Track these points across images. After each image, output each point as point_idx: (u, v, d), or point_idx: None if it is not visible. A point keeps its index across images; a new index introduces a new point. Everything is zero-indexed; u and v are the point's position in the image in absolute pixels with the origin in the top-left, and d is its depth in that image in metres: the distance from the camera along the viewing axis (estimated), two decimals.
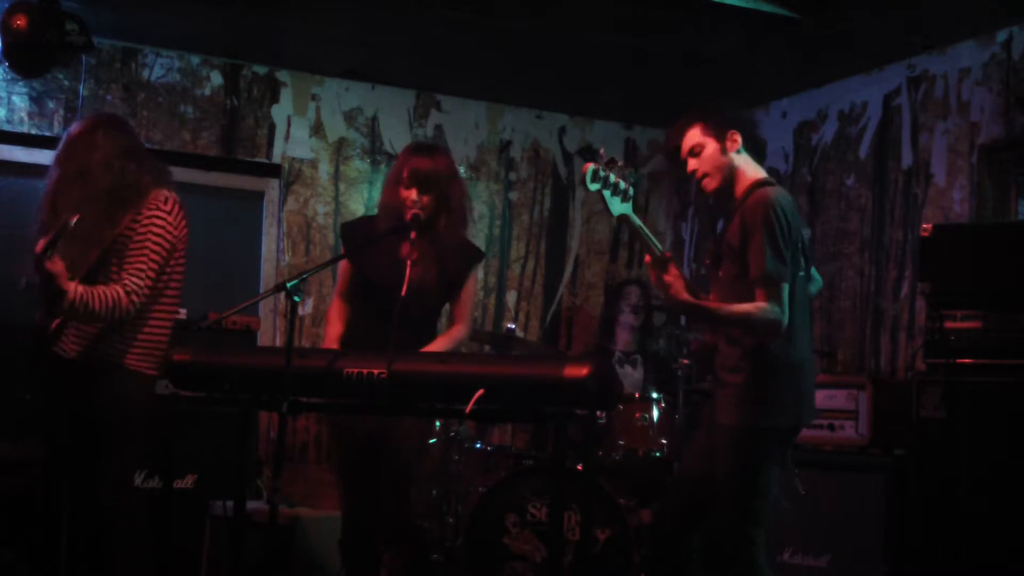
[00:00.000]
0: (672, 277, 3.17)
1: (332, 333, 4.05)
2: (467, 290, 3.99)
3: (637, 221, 3.13)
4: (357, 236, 4.04)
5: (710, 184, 3.46)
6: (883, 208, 5.76)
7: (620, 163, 3.07)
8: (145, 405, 3.73)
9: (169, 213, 3.75)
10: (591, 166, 2.96)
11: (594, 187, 2.98)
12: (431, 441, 5.04)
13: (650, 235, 3.23)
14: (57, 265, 3.50)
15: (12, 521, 4.58)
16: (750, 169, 3.48)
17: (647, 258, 3.19)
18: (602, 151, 3.19)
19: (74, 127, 3.91)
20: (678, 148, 3.49)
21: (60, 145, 3.87)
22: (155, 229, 3.71)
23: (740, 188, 3.44)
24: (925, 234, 4.61)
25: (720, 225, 3.69)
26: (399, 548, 3.88)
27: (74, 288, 3.54)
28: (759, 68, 5.94)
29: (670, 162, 3.52)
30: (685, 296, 3.19)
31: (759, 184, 3.42)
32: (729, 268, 3.35)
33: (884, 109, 5.77)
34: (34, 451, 4.49)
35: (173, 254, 3.77)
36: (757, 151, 3.55)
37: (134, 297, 3.64)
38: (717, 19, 5.18)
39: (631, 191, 3.07)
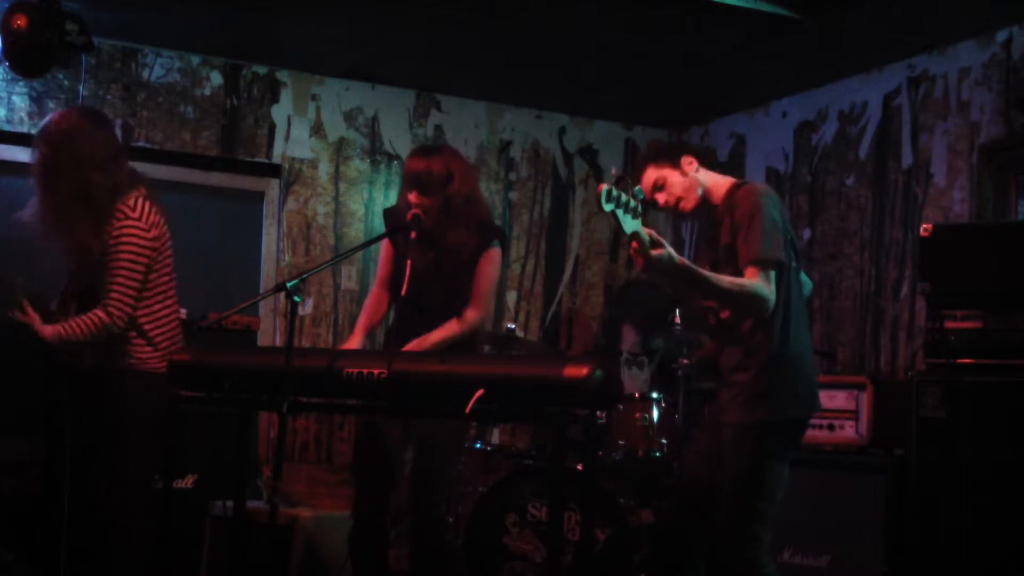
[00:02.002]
0: (660, 250, 3.15)
1: (360, 322, 4.06)
2: (481, 271, 3.89)
3: (645, 236, 3.14)
4: (391, 221, 4.05)
5: (687, 205, 3.51)
6: (883, 208, 5.76)
7: (629, 180, 3.10)
8: (159, 403, 3.74)
9: (139, 218, 3.72)
10: (604, 187, 2.98)
11: (608, 208, 3.00)
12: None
13: (650, 242, 3.22)
14: (27, 316, 3.61)
15: (12, 521, 4.58)
16: (720, 179, 3.51)
17: (634, 244, 3.16)
18: (613, 170, 3.21)
19: (64, 115, 3.87)
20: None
21: (49, 126, 3.81)
22: (124, 239, 3.69)
23: (718, 196, 3.46)
24: (925, 234, 4.61)
25: (699, 232, 3.73)
26: (419, 542, 3.88)
27: (51, 331, 3.63)
28: (759, 68, 5.94)
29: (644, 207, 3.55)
30: (679, 258, 3.18)
31: (739, 185, 3.45)
32: (728, 270, 3.35)
33: (884, 109, 5.77)
34: (34, 451, 4.50)
35: (156, 255, 3.76)
36: (713, 161, 3.58)
37: (116, 313, 3.66)
38: (717, 19, 5.18)
39: (640, 208, 3.10)
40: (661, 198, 3.51)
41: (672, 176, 3.49)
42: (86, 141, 3.75)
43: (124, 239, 3.70)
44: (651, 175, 3.51)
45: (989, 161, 5.24)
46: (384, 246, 4.08)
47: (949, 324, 4.51)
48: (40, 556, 4.30)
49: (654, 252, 3.12)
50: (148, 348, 3.77)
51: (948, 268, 4.55)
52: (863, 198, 5.87)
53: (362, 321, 4.05)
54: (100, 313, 3.66)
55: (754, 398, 3.30)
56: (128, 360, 3.75)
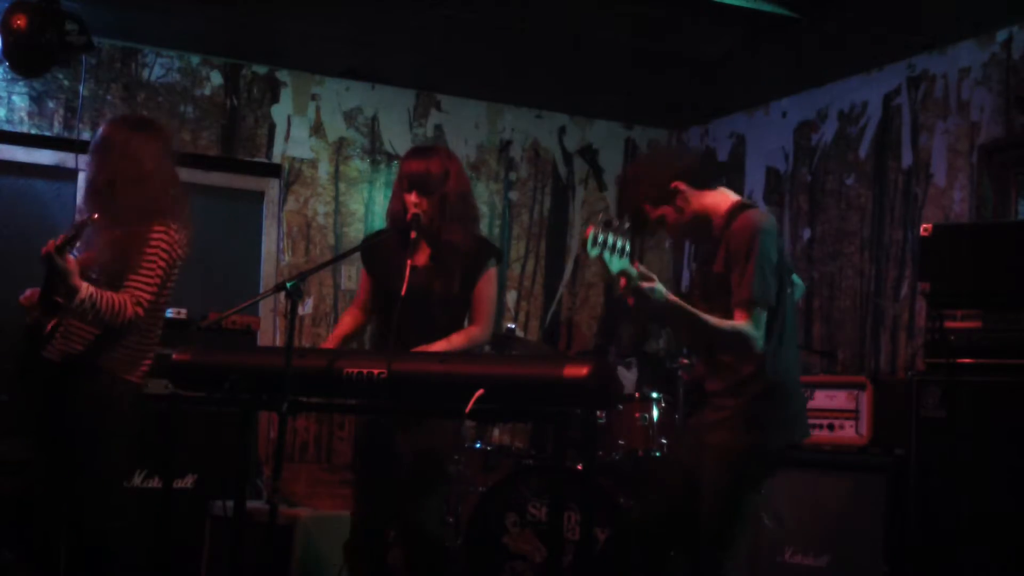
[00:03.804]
0: (651, 283, 3.15)
1: (335, 331, 4.08)
2: (481, 290, 3.93)
3: (634, 272, 3.15)
4: (372, 246, 4.07)
5: (692, 241, 3.51)
6: (883, 208, 5.76)
7: (616, 222, 3.12)
8: (130, 411, 3.72)
9: (177, 231, 3.75)
10: (591, 231, 3.02)
11: (594, 252, 3.04)
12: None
13: (639, 276, 3.22)
14: (71, 262, 3.51)
15: (12, 521, 4.58)
16: (718, 199, 3.43)
17: (622, 281, 3.16)
18: (600, 214, 3.26)
19: (126, 123, 3.91)
20: (644, 219, 3.49)
21: (114, 133, 3.83)
22: (164, 247, 3.70)
23: (717, 220, 3.40)
24: (925, 234, 4.60)
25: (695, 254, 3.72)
26: (410, 546, 3.88)
27: (86, 287, 3.54)
28: (759, 68, 5.94)
29: (641, 230, 3.52)
30: (670, 295, 3.18)
31: (737, 209, 3.38)
32: (720, 299, 3.33)
33: (884, 109, 5.77)
34: (34, 451, 4.50)
35: (171, 273, 3.77)
36: (710, 172, 3.53)
37: (139, 309, 3.64)
38: (717, 19, 5.18)
39: (627, 247, 3.12)
40: (666, 232, 3.51)
41: (670, 215, 3.43)
42: (164, 157, 3.82)
43: (163, 245, 3.69)
44: (651, 212, 3.45)
45: (989, 161, 5.24)
46: (363, 273, 4.11)
47: (949, 324, 4.51)
48: (40, 556, 4.29)
49: (645, 285, 3.13)
50: (125, 357, 3.72)
51: (948, 268, 4.54)
52: (863, 198, 5.87)
53: (337, 332, 4.07)
54: (127, 299, 3.62)
55: (741, 425, 3.28)
56: (105, 362, 3.71)
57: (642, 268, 3.14)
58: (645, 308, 3.17)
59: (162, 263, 3.69)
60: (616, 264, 3.10)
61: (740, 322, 3.22)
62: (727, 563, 3.28)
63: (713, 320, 3.23)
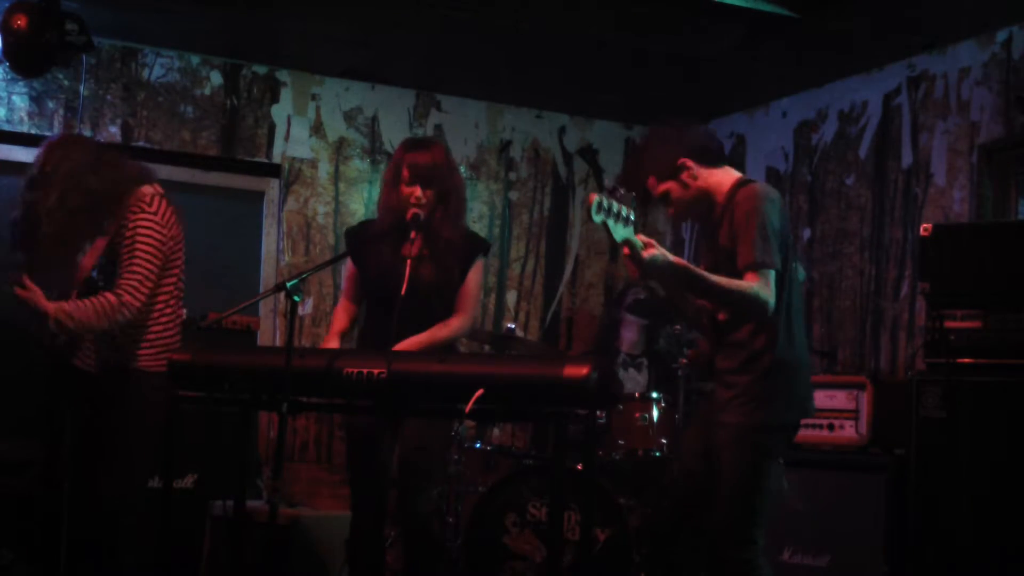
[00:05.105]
0: (652, 250, 3.15)
1: (334, 328, 4.08)
2: (469, 280, 3.97)
3: (638, 242, 3.15)
4: (359, 239, 4.05)
5: (693, 216, 3.52)
6: (883, 208, 5.76)
7: (621, 191, 3.13)
8: (162, 404, 3.74)
9: (155, 212, 3.73)
10: (596, 198, 3.02)
11: (599, 218, 3.05)
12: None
13: (642, 246, 3.23)
14: (29, 291, 3.53)
15: (12, 521, 4.58)
16: (722, 177, 3.46)
17: (626, 250, 3.18)
18: (607, 181, 3.27)
19: (35, 161, 3.88)
20: (648, 193, 3.49)
21: (26, 180, 3.85)
22: (141, 230, 3.69)
23: (721, 195, 3.43)
24: (925, 234, 4.61)
25: (700, 231, 3.72)
26: (410, 544, 3.88)
27: (54, 308, 3.56)
28: (759, 68, 5.94)
29: (644, 205, 3.52)
30: (674, 257, 3.18)
31: (740, 184, 3.42)
32: (728, 273, 3.34)
33: (884, 109, 5.77)
34: (34, 451, 4.50)
35: (170, 255, 3.76)
36: (713, 152, 3.52)
37: (127, 299, 3.63)
38: (717, 19, 5.18)
39: (632, 215, 3.12)
40: (670, 211, 3.52)
41: (675, 191, 3.46)
42: (67, 166, 3.76)
43: (140, 230, 3.69)
44: (654, 187, 3.48)
45: (989, 161, 5.24)
46: (348, 264, 4.11)
47: (949, 324, 4.51)
48: (40, 556, 4.30)
49: (646, 254, 3.13)
50: (153, 350, 3.77)
51: (948, 268, 4.54)
52: (863, 198, 5.87)
53: (336, 328, 4.08)
54: (110, 296, 3.62)
55: (754, 400, 3.30)
56: (135, 361, 3.75)
57: (644, 237, 3.15)
58: (650, 276, 3.17)
59: (147, 246, 3.68)
60: (620, 232, 3.10)
61: (750, 282, 3.22)
62: (756, 538, 3.28)
63: (722, 280, 3.22)
